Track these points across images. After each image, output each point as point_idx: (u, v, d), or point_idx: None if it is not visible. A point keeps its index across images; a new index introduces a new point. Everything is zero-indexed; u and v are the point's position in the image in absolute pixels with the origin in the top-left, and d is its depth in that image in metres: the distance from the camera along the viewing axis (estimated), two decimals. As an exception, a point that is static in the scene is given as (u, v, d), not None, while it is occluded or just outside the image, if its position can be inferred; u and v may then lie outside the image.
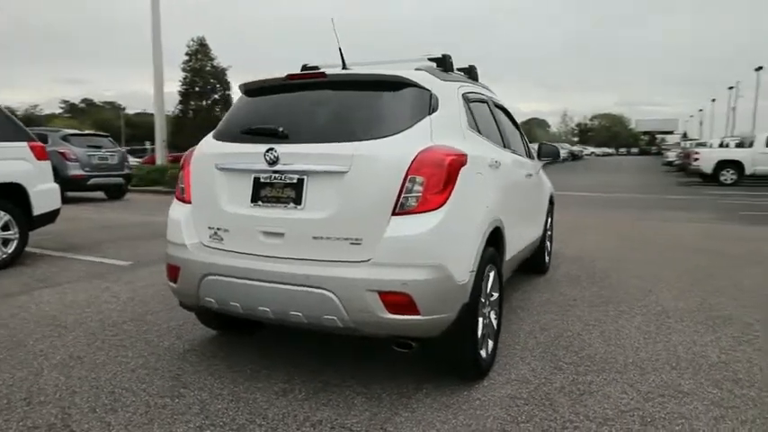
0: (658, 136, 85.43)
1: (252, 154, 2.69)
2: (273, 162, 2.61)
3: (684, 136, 64.42)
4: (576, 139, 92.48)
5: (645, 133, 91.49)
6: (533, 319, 3.94)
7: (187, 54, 16.09)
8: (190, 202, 2.95)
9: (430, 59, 3.36)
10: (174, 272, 2.91)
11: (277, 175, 2.64)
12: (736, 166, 18.38)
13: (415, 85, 2.74)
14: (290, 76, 2.89)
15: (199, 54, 15.96)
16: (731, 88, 56.83)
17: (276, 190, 2.65)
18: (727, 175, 18.48)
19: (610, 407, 2.60)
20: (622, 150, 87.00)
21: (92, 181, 12.88)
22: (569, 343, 3.45)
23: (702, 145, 27.18)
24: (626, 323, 3.85)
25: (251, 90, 3.09)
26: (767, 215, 10.63)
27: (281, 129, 2.68)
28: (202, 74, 16.17)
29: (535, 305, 4.30)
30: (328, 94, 2.82)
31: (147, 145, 21.46)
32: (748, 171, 18.24)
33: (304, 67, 3.68)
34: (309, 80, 2.87)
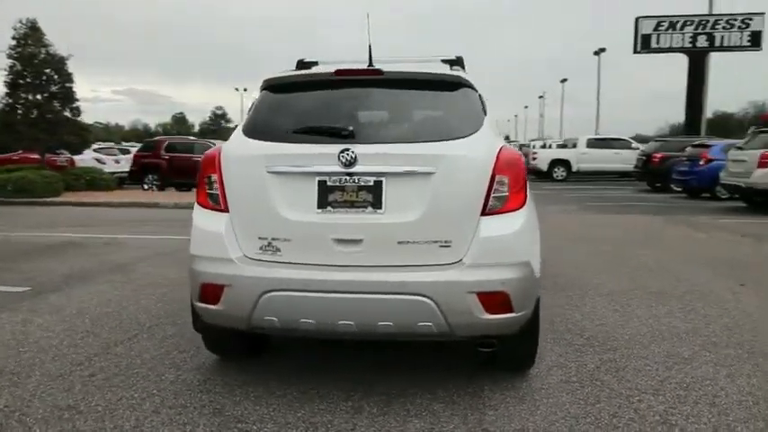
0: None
1: (319, 155, 2.47)
2: (350, 163, 2.42)
3: (507, 138, 72.44)
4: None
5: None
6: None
7: (14, 38, 13.54)
8: (226, 211, 2.59)
9: (443, 61, 3.39)
10: (213, 292, 2.53)
11: (349, 178, 2.45)
12: (566, 164, 21.39)
13: (469, 85, 2.77)
14: (339, 72, 2.70)
15: (29, 39, 13.53)
16: (541, 97, 65.68)
17: (348, 194, 2.46)
18: (559, 172, 21.42)
19: (648, 378, 2.92)
20: None
21: None
22: (566, 327, 3.76)
23: (527, 146, 30.99)
24: (594, 304, 4.31)
25: (282, 86, 2.81)
26: (609, 205, 12.60)
27: (351, 128, 2.50)
28: (34, 62, 13.74)
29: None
30: (387, 92, 2.70)
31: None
32: (574, 168, 21.36)
33: (300, 63, 3.45)
34: (362, 77, 2.71)
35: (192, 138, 17.92)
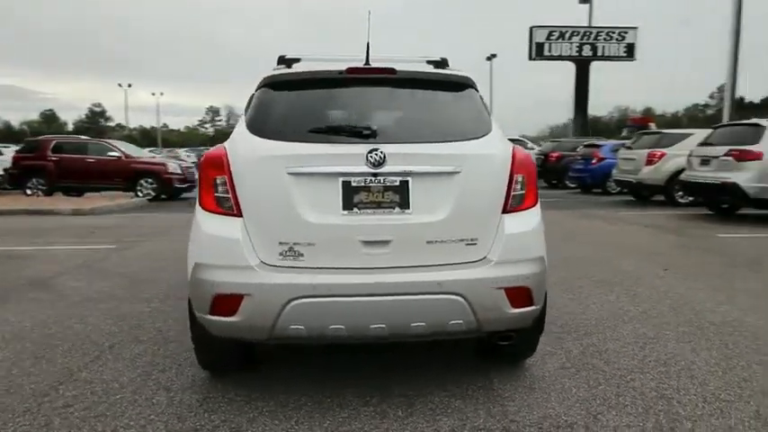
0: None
1: (346, 155, 2.38)
2: (379, 164, 2.36)
3: None
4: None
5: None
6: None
7: None
8: (239, 215, 2.41)
9: (428, 62, 3.42)
10: (229, 303, 2.34)
11: (374, 179, 2.40)
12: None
13: (474, 86, 2.83)
14: (352, 70, 2.62)
15: None
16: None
17: (374, 194, 2.41)
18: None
19: (629, 358, 3.19)
20: None
21: None
22: (538, 317, 3.97)
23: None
24: (551, 294, 4.57)
25: (288, 83, 2.68)
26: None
27: (375, 127, 2.44)
28: None
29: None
30: (400, 92, 2.67)
31: None
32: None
33: (282, 59, 3.31)
34: (375, 76, 2.66)
35: (84, 137, 16.27)
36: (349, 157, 2.38)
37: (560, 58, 18.65)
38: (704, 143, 9.70)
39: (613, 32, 18.59)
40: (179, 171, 14.58)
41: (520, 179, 2.56)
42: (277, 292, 2.30)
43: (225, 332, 2.44)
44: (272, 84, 2.69)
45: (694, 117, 67.32)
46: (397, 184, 2.42)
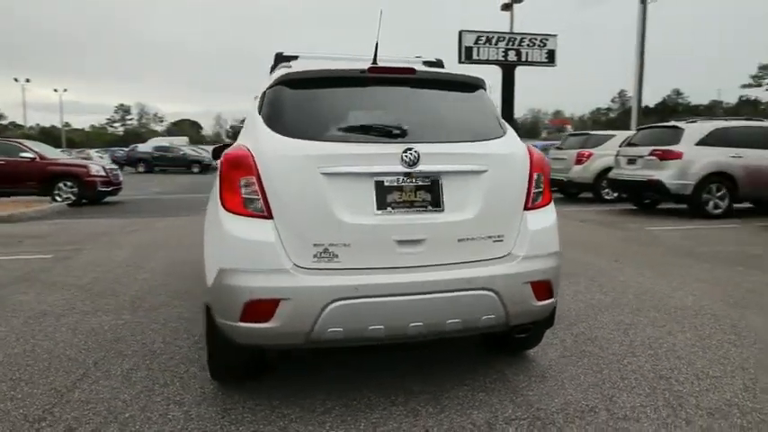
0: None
1: (381, 155, 2.37)
2: (414, 163, 2.37)
3: None
4: (230, 140, 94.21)
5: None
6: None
7: None
8: (270, 217, 2.33)
9: (425, 63, 3.47)
10: (264, 308, 2.25)
11: (407, 178, 2.41)
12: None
13: (485, 87, 2.91)
14: (373, 69, 2.60)
15: None
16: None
17: (407, 194, 2.41)
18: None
19: (618, 343, 3.41)
20: None
21: None
22: (522, 310, 4.14)
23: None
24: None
25: (306, 81, 2.61)
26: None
27: (406, 127, 2.45)
28: None
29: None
30: (419, 92, 2.68)
31: None
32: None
33: (278, 56, 3.24)
34: (395, 75, 2.66)
35: (14, 140, 14.57)
36: (384, 157, 2.37)
37: (488, 62, 19.37)
38: (630, 144, 10.52)
39: (535, 39, 19.61)
40: (102, 173, 13.57)
41: (538, 177, 2.67)
42: (317, 294, 2.25)
43: (256, 339, 2.34)
44: (288, 81, 2.62)
45: (597, 120, 72.63)
46: (429, 183, 2.44)
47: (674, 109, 57.08)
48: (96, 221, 9.75)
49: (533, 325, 2.76)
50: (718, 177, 9.10)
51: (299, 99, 2.59)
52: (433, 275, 2.37)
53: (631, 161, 10.03)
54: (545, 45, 19.69)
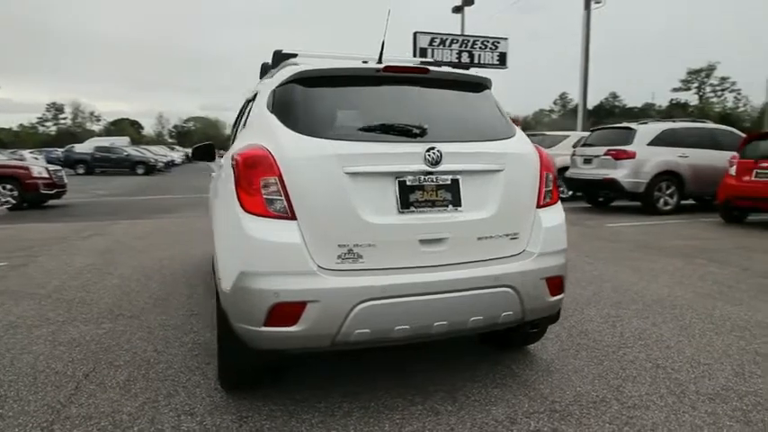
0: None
1: (404, 154, 2.36)
2: (436, 162, 2.38)
3: None
4: (173, 141, 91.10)
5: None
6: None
7: None
8: (293, 218, 2.27)
9: (422, 62, 3.48)
10: (290, 312, 2.20)
11: (427, 177, 2.41)
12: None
13: (490, 87, 2.95)
14: (389, 68, 2.58)
15: None
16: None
17: (428, 193, 2.41)
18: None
19: (610, 335, 3.55)
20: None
21: None
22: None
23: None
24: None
25: (320, 79, 2.56)
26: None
27: (426, 126, 2.45)
28: None
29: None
30: (432, 91, 2.69)
31: None
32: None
33: (277, 54, 3.17)
34: (409, 74, 2.65)
35: None
36: (407, 156, 2.37)
37: (442, 63, 19.67)
38: (585, 144, 10.95)
39: (488, 42, 20.11)
40: (46, 174, 12.79)
41: (548, 176, 2.74)
42: (345, 296, 2.22)
43: (280, 344, 2.28)
44: (301, 80, 2.56)
45: (540, 121, 75.22)
46: (449, 182, 2.46)
47: (610, 111, 59.86)
48: (44, 226, 9.18)
49: (542, 320, 2.82)
50: (668, 176, 9.64)
51: (317, 97, 2.54)
52: (456, 274, 2.39)
53: (587, 161, 10.46)
54: (497, 48, 20.22)
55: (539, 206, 2.68)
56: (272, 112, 2.55)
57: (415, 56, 19.39)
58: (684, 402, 2.63)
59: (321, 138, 2.35)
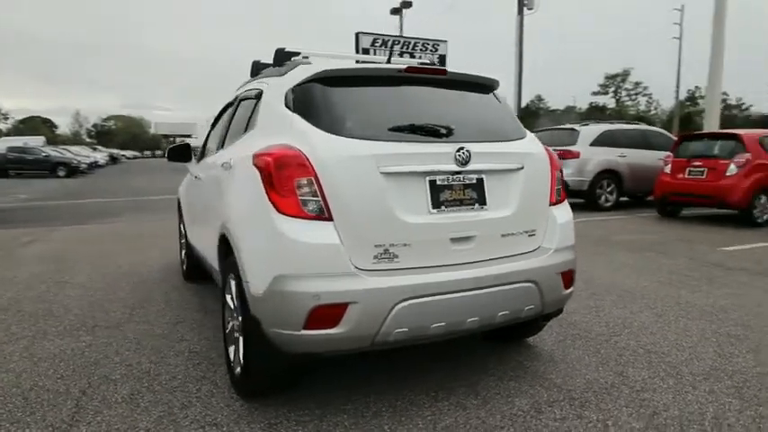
0: (177, 139, 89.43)
1: (435, 154, 2.38)
2: (466, 162, 2.42)
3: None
4: (92, 140, 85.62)
5: (165, 136, 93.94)
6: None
7: None
8: (330, 219, 2.23)
9: (422, 63, 3.52)
10: (331, 314, 2.16)
11: (456, 177, 2.46)
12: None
13: (497, 88, 3.04)
14: (410, 69, 2.60)
15: None
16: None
17: (456, 192, 2.46)
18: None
19: (605, 326, 3.75)
20: (147, 153, 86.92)
21: None
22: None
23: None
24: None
25: (343, 79, 2.53)
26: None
27: (453, 126, 2.49)
28: None
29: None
30: (451, 92, 2.73)
31: None
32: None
33: (280, 52, 3.11)
34: (429, 76, 2.67)
35: None
36: (438, 156, 2.40)
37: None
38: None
39: (428, 43, 20.47)
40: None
41: (558, 175, 2.86)
42: (385, 296, 2.22)
43: (318, 347, 2.24)
44: (323, 79, 2.52)
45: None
46: (475, 181, 2.51)
47: (536, 113, 62.69)
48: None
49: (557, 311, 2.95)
50: (609, 174, 10.27)
51: (342, 98, 2.51)
52: (485, 271, 2.45)
53: (534, 160, 10.91)
54: (437, 50, 20.62)
55: (552, 203, 2.80)
56: (292, 111, 2.49)
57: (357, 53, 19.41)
58: (684, 383, 2.83)
59: (354, 138, 2.33)
